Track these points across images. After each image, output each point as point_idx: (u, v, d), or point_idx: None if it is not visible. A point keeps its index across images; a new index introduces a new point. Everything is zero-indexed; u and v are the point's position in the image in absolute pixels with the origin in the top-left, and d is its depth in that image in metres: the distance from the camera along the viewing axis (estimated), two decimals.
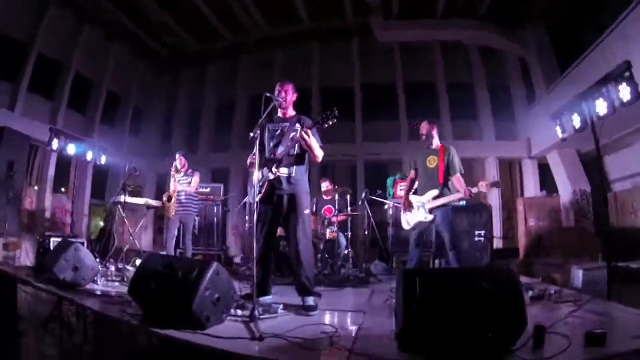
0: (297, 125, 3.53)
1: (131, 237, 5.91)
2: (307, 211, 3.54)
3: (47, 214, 10.45)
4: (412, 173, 4.79)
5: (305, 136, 3.24)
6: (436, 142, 4.66)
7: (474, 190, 4.25)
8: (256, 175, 3.21)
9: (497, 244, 10.22)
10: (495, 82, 13.00)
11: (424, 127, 4.72)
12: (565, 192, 10.50)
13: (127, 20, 12.34)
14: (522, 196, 11.64)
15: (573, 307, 3.11)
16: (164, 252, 6.35)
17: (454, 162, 4.53)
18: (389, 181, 8.51)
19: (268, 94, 3.50)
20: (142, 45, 13.72)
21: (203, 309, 2.43)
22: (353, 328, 2.64)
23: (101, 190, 12.74)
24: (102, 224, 12.68)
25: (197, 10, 12.20)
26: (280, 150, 3.47)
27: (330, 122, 3.20)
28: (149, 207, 7.21)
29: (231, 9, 12.36)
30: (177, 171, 6.20)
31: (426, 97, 13.10)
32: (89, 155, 7.91)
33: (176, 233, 6.32)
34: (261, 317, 2.74)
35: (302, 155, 3.51)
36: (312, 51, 14.04)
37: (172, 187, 6.12)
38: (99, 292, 3.72)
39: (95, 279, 4.21)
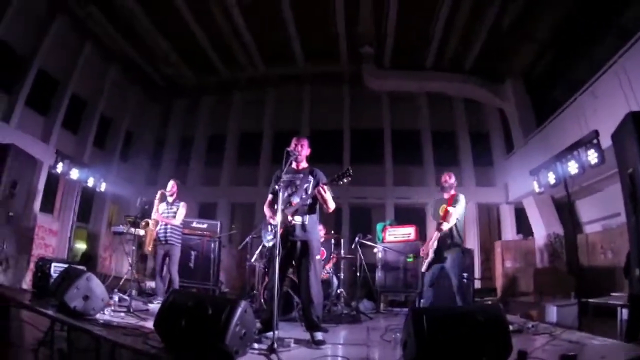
0: (310, 177, 3.93)
1: (130, 267, 5.91)
2: (318, 257, 3.88)
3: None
4: (431, 218, 5.15)
5: (322, 192, 3.63)
6: (449, 193, 4.92)
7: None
8: (278, 219, 3.51)
9: (476, 284, 10.66)
10: (476, 131, 13.81)
11: (446, 177, 5.00)
12: (539, 235, 11.15)
13: (127, 46, 12.55)
14: (500, 239, 12.21)
15: (549, 338, 3.57)
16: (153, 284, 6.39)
17: (454, 212, 4.72)
18: (379, 226, 8.88)
19: (288, 150, 3.85)
20: (139, 71, 13.93)
21: (234, 344, 2.67)
22: (363, 358, 2.96)
23: (86, 213, 12.62)
24: (84, 248, 12.62)
25: (197, 44, 12.56)
26: (296, 200, 3.82)
27: (345, 180, 3.59)
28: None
29: (231, 45, 12.79)
30: (163, 199, 6.19)
31: (411, 143, 13.80)
32: (91, 182, 7.97)
33: (162, 266, 6.16)
34: (279, 350, 2.99)
35: (314, 205, 3.87)
36: (303, 93, 14.56)
37: (154, 215, 6.08)
38: (114, 323, 3.77)
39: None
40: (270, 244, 3.96)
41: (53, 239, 11.02)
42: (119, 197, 13.14)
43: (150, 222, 6.12)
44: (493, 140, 13.68)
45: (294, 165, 4.00)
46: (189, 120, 15.12)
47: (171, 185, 6.30)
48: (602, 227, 9.94)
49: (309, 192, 3.83)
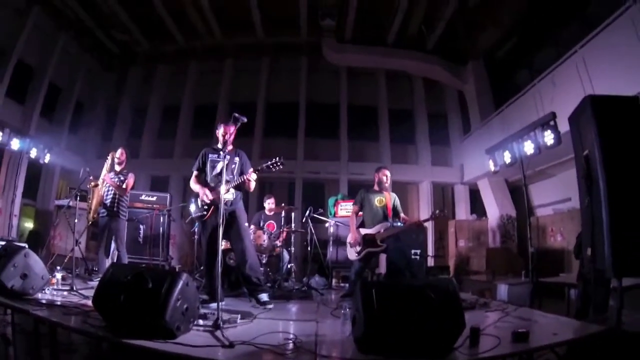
0: (237, 158, 4.23)
1: (76, 243, 5.55)
2: (246, 224, 4.30)
3: None
4: (356, 208, 5.42)
5: (252, 179, 3.99)
6: (386, 189, 5.45)
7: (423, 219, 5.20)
8: (223, 191, 3.57)
9: (429, 262, 10.92)
10: (434, 111, 13.94)
11: (386, 174, 5.41)
12: (493, 216, 11.53)
13: (80, 9, 11.86)
14: (454, 219, 12.47)
15: (501, 314, 3.60)
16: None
17: (399, 206, 5.42)
18: (331, 201, 8.91)
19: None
20: (92, 38, 13.28)
21: (175, 320, 2.52)
22: (311, 335, 2.87)
23: (33, 189, 11.94)
24: (31, 226, 11.95)
25: (153, 10, 12.04)
26: (227, 180, 3.96)
27: (275, 170, 3.90)
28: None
29: (187, 12, 12.30)
30: (112, 167, 5.83)
31: (368, 119, 13.78)
32: (34, 153, 7.38)
33: (105, 242, 5.82)
34: (224, 326, 2.87)
35: (241, 185, 4.12)
36: (262, 64, 14.24)
37: (102, 176, 5.72)
38: (55, 303, 3.52)
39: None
40: (194, 214, 4.37)
41: None
42: (68, 171, 12.47)
43: (100, 182, 5.73)
44: (450, 121, 13.92)
45: (220, 145, 4.21)
46: (142, 90, 14.51)
47: (120, 152, 5.92)
48: (553, 210, 10.35)
49: (235, 171, 4.15)
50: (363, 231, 5.19)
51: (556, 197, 10.33)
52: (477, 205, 12.76)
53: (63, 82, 12.90)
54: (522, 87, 9.74)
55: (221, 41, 13.82)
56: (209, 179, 4.09)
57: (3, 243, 4.85)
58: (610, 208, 3.05)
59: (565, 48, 8.10)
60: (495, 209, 11.52)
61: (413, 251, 7.54)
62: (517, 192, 11.66)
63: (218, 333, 2.70)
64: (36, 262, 3.79)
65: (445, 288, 2.52)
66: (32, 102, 11.60)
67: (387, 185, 5.38)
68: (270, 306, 3.66)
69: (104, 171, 5.81)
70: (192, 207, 4.36)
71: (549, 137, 5.17)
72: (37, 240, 10.31)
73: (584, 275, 4.42)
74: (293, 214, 6.96)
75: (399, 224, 5.27)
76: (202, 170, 4.20)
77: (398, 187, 12.19)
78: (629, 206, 3.07)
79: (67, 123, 12.95)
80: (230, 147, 4.15)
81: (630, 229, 3.02)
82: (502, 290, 7.10)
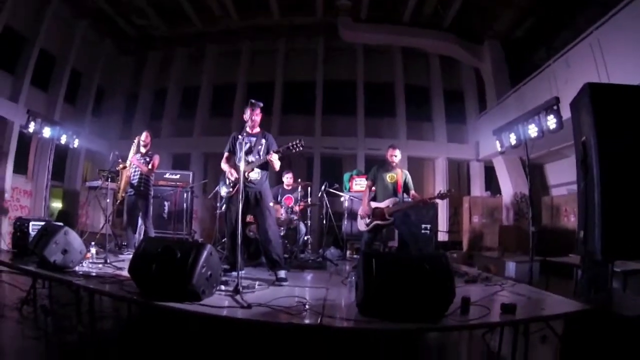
0: (263, 140, 4.48)
1: (107, 221, 5.99)
2: (271, 203, 4.60)
3: (7, 196, 10.24)
4: (369, 182, 5.69)
5: (274, 161, 4.17)
6: (397, 166, 5.70)
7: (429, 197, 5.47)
8: (242, 172, 3.91)
9: (443, 237, 11.09)
10: (451, 88, 13.94)
11: (394, 153, 5.64)
12: (507, 193, 11.61)
13: None
14: (469, 195, 12.63)
15: (498, 289, 3.84)
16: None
17: (410, 183, 5.64)
18: (346, 176, 9.17)
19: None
20: (110, 24, 13.60)
21: (200, 284, 2.90)
22: (320, 300, 3.21)
23: (60, 171, 12.50)
24: (60, 206, 12.59)
25: None
26: (252, 160, 4.34)
27: (295, 151, 4.19)
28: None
29: None
30: (138, 149, 6.28)
31: (384, 97, 13.87)
32: (63, 139, 7.84)
33: (131, 218, 6.29)
34: (243, 291, 3.25)
35: (266, 163, 4.36)
36: (278, 45, 14.40)
37: (129, 159, 6.21)
38: (93, 274, 3.93)
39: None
40: (224, 193, 4.53)
41: (28, 200, 11.09)
42: (92, 153, 13.10)
43: (127, 164, 6.19)
44: (467, 98, 13.92)
45: (248, 129, 4.44)
46: (161, 73, 14.89)
47: (145, 135, 6.35)
48: (567, 191, 10.37)
49: (262, 152, 4.40)
50: (373, 204, 5.52)
51: (571, 178, 10.26)
52: (492, 183, 12.85)
53: (84, 69, 13.36)
54: (540, 67, 9.65)
55: (238, 24, 13.97)
56: (237, 160, 4.32)
57: (43, 223, 5.27)
58: (603, 194, 3.19)
59: (583, 31, 7.94)
60: (509, 186, 11.59)
61: (423, 226, 7.76)
62: (532, 171, 11.66)
63: (238, 297, 3.08)
64: (75, 238, 4.22)
65: (439, 261, 2.81)
66: (55, 89, 12.14)
67: (394, 164, 5.62)
68: (286, 283, 3.92)
69: (131, 154, 6.28)
70: (223, 188, 4.58)
71: (551, 122, 5.23)
72: (67, 219, 10.90)
73: (584, 257, 4.55)
74: (309, 188, 7.27)
75: (408, 200, 5.52)
76: (232, 152, 4.48)
77: (414, 163, 12.55)
78: (621, 193, 3.19)
79: (89, 108, 13.51)
80: (257, 130, 4.53)
81: (620, 214, 3.16)
82: (511, 267, 7.31)
